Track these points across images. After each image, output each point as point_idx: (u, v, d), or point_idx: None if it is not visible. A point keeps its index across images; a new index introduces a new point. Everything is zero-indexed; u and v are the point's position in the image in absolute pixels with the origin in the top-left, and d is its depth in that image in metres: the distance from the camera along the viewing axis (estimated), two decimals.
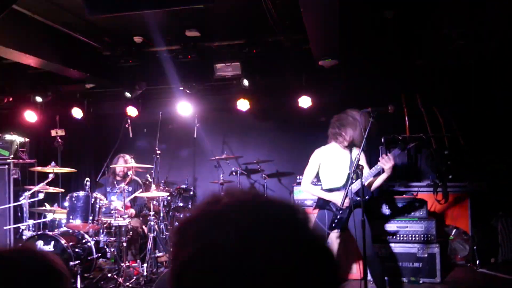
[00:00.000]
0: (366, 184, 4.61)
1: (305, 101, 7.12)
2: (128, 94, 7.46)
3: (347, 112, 4.70)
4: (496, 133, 6.70)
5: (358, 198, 4.48)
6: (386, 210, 5.87)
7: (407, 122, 6.88)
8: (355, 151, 4.76)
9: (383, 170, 4.59)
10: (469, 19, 4.73)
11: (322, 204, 4.77)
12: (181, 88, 7.41)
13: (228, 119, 8.22)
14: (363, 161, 4.63)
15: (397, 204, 5.88)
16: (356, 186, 4.52)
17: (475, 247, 6.19)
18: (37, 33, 5.87)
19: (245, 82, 6.86)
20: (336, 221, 4.69)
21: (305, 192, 4.83)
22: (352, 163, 4.70)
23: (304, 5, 4.42)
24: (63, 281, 1.29)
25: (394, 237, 5.68)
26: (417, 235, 5.63)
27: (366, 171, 4.58)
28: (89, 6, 3.92)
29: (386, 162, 4.49)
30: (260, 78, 7.07)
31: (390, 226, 5.73)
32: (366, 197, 4.67)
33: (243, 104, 7.37)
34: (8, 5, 3.95)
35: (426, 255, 5.54)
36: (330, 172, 4.83)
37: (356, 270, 5.71)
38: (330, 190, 4.76)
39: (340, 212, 4.66)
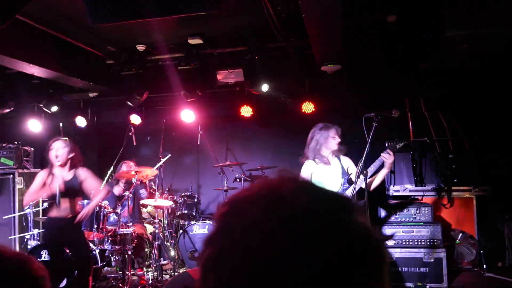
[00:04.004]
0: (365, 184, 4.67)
1: (308, 107, 7.11)
2: (130, 103, 7.46)
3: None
4: (501, 136, 6.67)
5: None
6: (391, 215, 5.84)
7: (411, 126, 6.85)
8: (343, 158, 4.96)
9: (382, 166, 4.65)
10: (472, 22, 4.72)
11: None
12: (184, 96, 7.41)
13: (231, 126, 8.21)
14: (353, 168, 4.87)
15: (402, 208, 5.85)
16: (349, 192, 4.63)
17: (481, 251, 6.15)
18: (40, 42, 5.89)
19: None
20: None
21: None
22: (343, 169, 4.80)
23: (306, 11, 4.42)
24: (40, 283, 1.25)
25: (400, 242, 5.65)
26: (423, 240, 5.59)
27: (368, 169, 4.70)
28: (92, 14, 3.93)
29: (388, 157, 4.58)
30: (263, 84, 7.07)
31: (396, 231, 5.70)
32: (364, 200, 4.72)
33: (246, 111, 7.36)
34: (12, 15, 3.97)
35: (432, 260, 5.50)
36: (322, 180, 4.85)
37: None
38: None
39: None
